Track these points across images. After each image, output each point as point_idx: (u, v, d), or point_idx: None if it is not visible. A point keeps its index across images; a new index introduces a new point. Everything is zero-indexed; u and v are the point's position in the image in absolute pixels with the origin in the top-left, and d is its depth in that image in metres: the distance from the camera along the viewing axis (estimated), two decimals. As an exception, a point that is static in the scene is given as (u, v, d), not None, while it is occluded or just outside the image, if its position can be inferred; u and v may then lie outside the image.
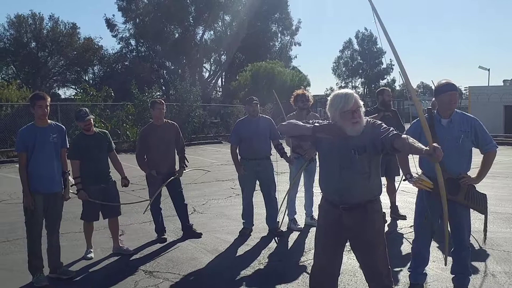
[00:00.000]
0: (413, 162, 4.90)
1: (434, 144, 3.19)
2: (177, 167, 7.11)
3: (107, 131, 6.58)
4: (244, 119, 7.36)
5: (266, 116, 7.49)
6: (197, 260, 6.02)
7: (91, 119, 6.17)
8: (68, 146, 5.61)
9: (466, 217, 4.64)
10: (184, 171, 7.15)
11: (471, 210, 4.66)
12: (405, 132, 5.04)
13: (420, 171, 4.65)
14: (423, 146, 3.23)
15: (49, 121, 5.40)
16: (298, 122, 3.72)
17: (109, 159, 6.38)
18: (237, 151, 7.20)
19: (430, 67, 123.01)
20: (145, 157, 6.98)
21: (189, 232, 7.06)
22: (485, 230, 4.84)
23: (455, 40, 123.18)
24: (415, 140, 3.33)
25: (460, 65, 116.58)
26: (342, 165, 3.55)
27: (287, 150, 7.22)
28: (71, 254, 6.28)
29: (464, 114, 4.66)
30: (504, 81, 39.34)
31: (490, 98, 30.09)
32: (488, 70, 41.98)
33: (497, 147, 4.64)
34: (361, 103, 3.53)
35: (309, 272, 4.01)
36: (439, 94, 4.60)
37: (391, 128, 3.49)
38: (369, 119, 3.62)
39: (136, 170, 7.63)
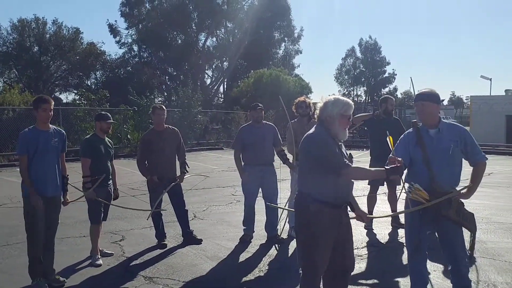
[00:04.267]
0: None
1: (366, 212, 4.06)
2: (178, 172, 7.09)
3: (111, 142, 6.73)
4: (248, 125, 7.37)
5: (270, 123, 7.49)
6: (197, 267, 6.00)
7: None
8: (66, 151, 5.60)
9: (460, 234, 4.40)
10: (184, 177, 7.14)
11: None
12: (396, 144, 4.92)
13: (407, 185, 4.51)
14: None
15: (50, 125, 5.39)
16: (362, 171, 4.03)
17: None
18: (241, 157, 7.20)
19: (431, 76, 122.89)
20: (146, 162, 6.97)
21: (189, 238, 7.04)
22: (471, 249, 4.74)
23: (457, 49, 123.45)
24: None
25: (462, 74, 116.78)
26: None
27: (289, 156, 7.21)
28: (71, 259, 6.27)
29: (452, 124, 4.54)
30: (506, 90, 39.24)
31: (491, 108, 30.08)
32: (490, 79, 42.02)
33: (487, 159, 4.46)
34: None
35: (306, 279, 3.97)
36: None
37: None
38: None
39: (137, 175, 7.63)
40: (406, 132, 4.66)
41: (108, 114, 6.62)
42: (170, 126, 7.22)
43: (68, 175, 5.62)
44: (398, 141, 4.66)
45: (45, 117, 5.22)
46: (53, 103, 5.32)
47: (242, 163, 7.18)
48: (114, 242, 7.16)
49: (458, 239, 4.42)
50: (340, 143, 3.93)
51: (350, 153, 4.00)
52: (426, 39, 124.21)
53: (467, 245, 4.60)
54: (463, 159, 4.44)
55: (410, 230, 4.57)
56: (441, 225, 4.40)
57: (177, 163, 7.15)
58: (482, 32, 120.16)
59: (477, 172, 4.41)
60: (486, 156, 4.52)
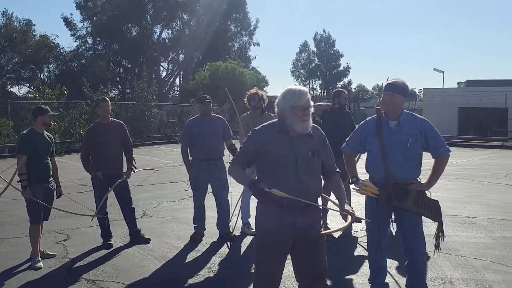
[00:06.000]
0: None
1: (351, 209, 3.53)
2: (124, 168, 6.76)
3: (52, 136, 6.32)
4: (196, 118, 7.08)
5: (219, 116, 7.24)
6: (143, 268, 5.71)
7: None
8: None
9: (418, 225, 4.36)
10: (132, 173, 6.82)
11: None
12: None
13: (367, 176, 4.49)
14: (346, 205, 3.56)
15: None
16: (239, 175, 3.68)
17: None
18: (189, 151, 6.91)
19: (384, 69, 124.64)
20: (90, 158, 6.62)
21: (137, 238, 6.73)
22: (437, 238, 4.46)
23: (410, 42, 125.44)
24: (345, 193, 3.70)
25: (415, 67, 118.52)
26: (300, 166, 3.47)
27: None
28: (9, 261, 5.92)
29: (414, 116, 4.44)
30: (458, 83, 40.23)
31: (444, 100, 30.63)
32: (443, 72, 42.82)
33: (450, 151, 4.37)
34: (312, 103, 3.50)
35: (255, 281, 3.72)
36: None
37: (334, 161, 3.73)
38: (314, 125, 3.61)
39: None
40: (368, 119, 4.60)
41: (47, 107, 6.19)
42: (115, 120, 6.89)
43: None
44: (357, 127, 4.74)
45: None
46: None
47: (190, 158, 6.91)
48: (58, 242, 6.80)
49: (417, 232, 4.37)
50: (309, 135, 3.53)
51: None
52: (379, 32, 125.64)
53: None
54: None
55: (370, 225, 4.50)
56: (399, 216, 4.35)
57: (124, 158, 6.81)
58: (434, 25, 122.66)
59: (439, 165, 4.39)
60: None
